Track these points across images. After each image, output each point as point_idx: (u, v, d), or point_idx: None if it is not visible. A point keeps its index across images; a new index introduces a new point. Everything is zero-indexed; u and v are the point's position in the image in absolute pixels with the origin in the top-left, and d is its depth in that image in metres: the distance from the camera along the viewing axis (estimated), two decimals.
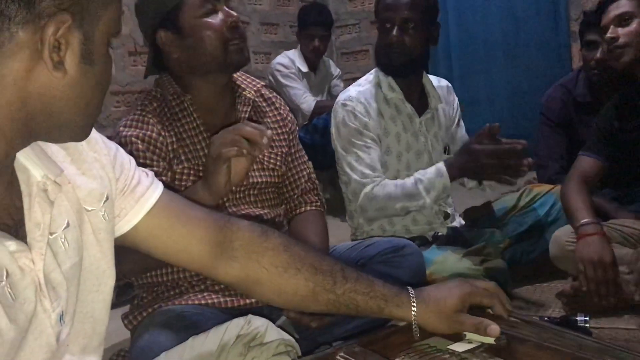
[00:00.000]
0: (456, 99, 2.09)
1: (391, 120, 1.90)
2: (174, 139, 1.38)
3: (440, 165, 1.77)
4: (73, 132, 0.73)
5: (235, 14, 1.39)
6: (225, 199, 1.40)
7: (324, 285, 0.94)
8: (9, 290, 0.63)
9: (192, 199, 1.03)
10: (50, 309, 0.69)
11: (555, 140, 2.43)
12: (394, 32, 1.80)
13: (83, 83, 0.67)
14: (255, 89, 1.51)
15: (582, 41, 2.38)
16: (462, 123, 2.10)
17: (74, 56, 0.65)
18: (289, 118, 1.58)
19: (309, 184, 1.59)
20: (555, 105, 2.46)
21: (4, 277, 0.63)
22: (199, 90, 1.42)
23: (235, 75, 1.50)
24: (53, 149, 0.77)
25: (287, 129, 1.57)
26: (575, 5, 3.94)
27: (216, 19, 1.37)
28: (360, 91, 1.89)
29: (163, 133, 1.37)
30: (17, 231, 0.68)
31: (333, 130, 1.89)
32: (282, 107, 1.59)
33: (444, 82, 2.08)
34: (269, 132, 1.15)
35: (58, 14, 0.62)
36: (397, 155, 1.90)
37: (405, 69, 1.86)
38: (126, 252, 0.89)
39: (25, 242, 0.68)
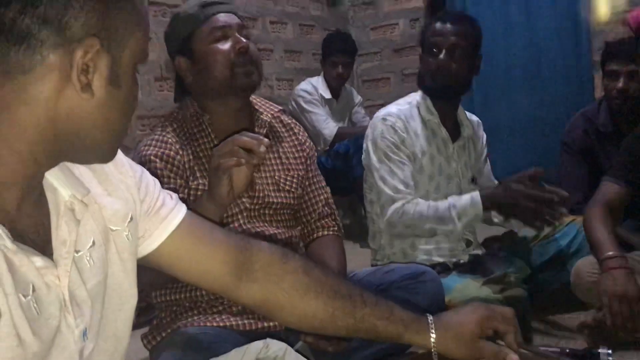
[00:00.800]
0: (484, 135, 2.12)
1: (427, 141, 1.93)
2: (190, 157, 1.42)
3: (475, 194, 1.79)
4: (99, 153, 0.75)
5: (244, 40, 1.43)
6: (239, 216, 1.43)
7: (343, 309, 0.94)
8: (34, 305, 0.65)
9: (199, 211, 1.04)
10: (74, 325, 0.71)
11: (577, 170, 2.41)
12: (442, 56, 1.85)
13: (110, 105, 0.69)
14: (272, 112, 1.55)
15: (603, 71, 2.38)
16: (488, 160, 2.12)
17: (102, 79, 0.68)
18: (307, 143, 1.61)
19: (326, 208, 1.60)
20: (577, 135, 2.45)
21: (30, 292, 0.65)
22: (215, 112, 1.47)
23: (254, 100, 1.54)
24: (81, 170, 0.79)
25: (305, 154, 1.59)
26: (598, 36, 3.93)
27: (225, 45, 1.42)
28: (400, 109, 1.93)
29: (181, 152, 1.41)
30: (44, 248, 0.69)
31: (369, 144, 1.91)
32: (301, 133, 1.62)
33: (474, 118, 2.12)
34: (266, 140, 1.17)
35: (87, 39, 0.65)
36: (429, 176, 1.92)
37: (449, 92, 1.90)
38: (140, 269, 0.90)
39: (52, 259, 0.69)
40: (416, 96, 1.98)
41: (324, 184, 1.63)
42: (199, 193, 1.39)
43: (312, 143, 1.65)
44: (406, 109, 1.94)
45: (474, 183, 2.01)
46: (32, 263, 0.65)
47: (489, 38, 4.35)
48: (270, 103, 1.59)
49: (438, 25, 1.90)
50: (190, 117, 1.47)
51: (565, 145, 2.49)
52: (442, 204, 1.80)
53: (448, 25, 1.88)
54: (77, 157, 0.74)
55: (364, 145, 1.94)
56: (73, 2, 0.63)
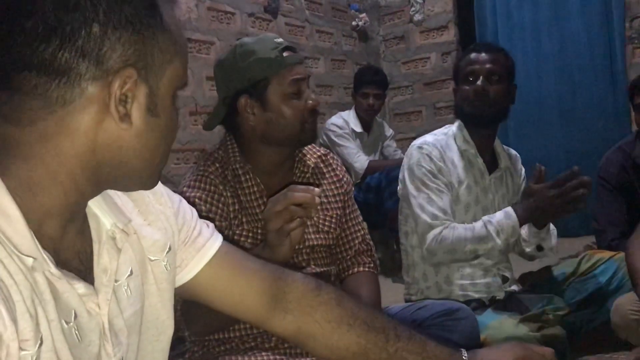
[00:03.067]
0: (523, 169, 2.10)
1: (464, 171, 1.92)
2: (235, 200, 1.41)
3: (507, 208, 1.78)
4: (140, 181, 0.75)
5: (315, 98, 1.45)
6: None
7: (376, 342, 0.93)
8: (76, 331, 0.66)
9: None
10: (112, 353, 0.71)
11: (614, 205, 2.36)
12: (479, 82, 1.87)
13: (149, 134, 0.70)
14: (316, 156, 1.55)
15: (632, 104, 2.35)
16: None
17: (140, 109, 0.68)
18: (345, 179, 1.60)
19: (363, 245, 1.58)
20: (614, 168, 2.41)
21: (72, 319, 0.66)
22: (262, 155, 1.46)
23: None
24: (122, 200, 0.80)
25: (343, 190, 1.57)
26: (635, 69, 3.89)
27: (301, 101, 1.42)
28: (437, 139, 1.94)
29: (224, 193, 1.40)
30: (86, 275, 0.71)
31: (405, 173, 1.90)
32: (339, 168, 1.60)
33: (513, 152, 2.11)
34: (317, 190, 1.16)
35: (124, 70, 0.65)
36: (465, 206, 1.90)
37: (487, 119, 1.90)
38: (196, 313, 0.90)
39: (93, 286, 0.70)
40: (452, 127, 1.99)
41: (360, 219, 1.61)
42: (242, 239, 1.39)
43: (349, 178, 1.63)
44: (442, 139, 1.94)
45: None
46: (74, 290, 0.67)
47: (521, 71, 4.39)
48: (314, 146, 1.58)
49: (473, 55, 1.92)
50: (232, 158, 1.45)
51: (601, 179, 2.44)
52: (478, 224, 1.79)
53: (483, 54, 1.91)
54: (119, 185, 0.75)
55: (400, 175, 1.94)
56: (109, 35, 0.64)
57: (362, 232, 1.59)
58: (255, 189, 1.44)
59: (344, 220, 1.57)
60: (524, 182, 2.07)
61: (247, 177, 1.44)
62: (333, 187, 1.56)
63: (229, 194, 1.41)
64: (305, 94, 1.43)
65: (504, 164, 1.99)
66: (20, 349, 0.57)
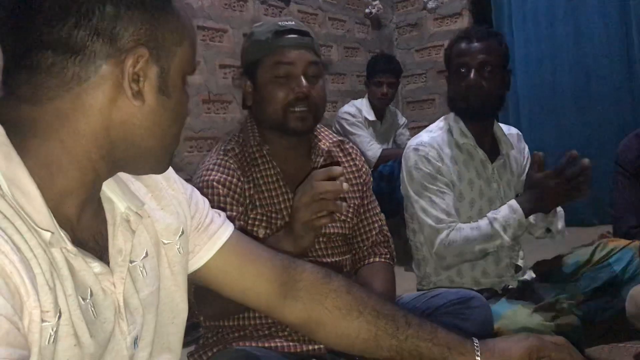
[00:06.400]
0: (526, 147, 2.05)
1: (464, 166, 1.87)
2: (251, 185, 1.41)
3: (512, 202, 1.73)
4: (152, 162, 0.77)
5: (305, 85, 1.38)
6: None
7: (386, 329, 0.93)
8: (92, 308, 0.68)
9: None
10: (127, 331, 0.73)
11: (631, 192, 2.33)
12: (471, 75, 1.80)
13: (160, 113, 0.72)
14: (331, 141, 1.53)
15: None
16: None
17: (151, 87, 0.71)
18: (363, 169, 1.58)
19: (380, 236, 1.56)
20: (631, 155, 2.37)
21: (88, 296, 0.68)
22: (273, 140, 1.45)
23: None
24: (136, 185, 0.82)
25: (362, 180, 1.56)
26: None
27: (285, 86, 1.38)
28: (433, 137, 1.88)
29: (242, 178, 1.39)
30: (102, 256, 0.72)
31: (404, 175, 1.86)
32: (358, 158, 1.59)
33: (514, 130, 2.06)
34: (339, 169, 1.14)
35: (136, 49, 0.68)
36: (469, 202, 1.87)
37: (483, 112, 1.85)
38: (210, 297, 0.91)
39: (108, 267, 0.72)
40: (448, 120, 1.93)
41: (378, 210, 1.59)
42: (257, 223, 1.39)
43: (368, 168, 1.62)
44: (438, 136, 1.89)
45: None
46: (90, 268, 0.69)
47: (536, 59, 4.36)
48: (330, 132, 1.57)
49: (464, 44, 1.84)
50: (251, 143, 1.44)
51: (618, 166, 2.40)
52: (483, 222, 1.74)
53: (474, 44, 1.82)
54: (133, 165, 0.77)
55: (401, 176, 1.90)
56: (122, 14, 0.66)
57: (380, 223, 1.58)
58: (272, 172, 1.43)
59: (361, 210, 1.56)
60: (527, 161, 2.01)
61: (264, 159, 1.44)
62: (351, 176, 1.54)
63: (246, 179, 1.40)
64: (295, 79, 1.39)
65: (505, 150, 1.94)
66: (42, 320, 0.59)
